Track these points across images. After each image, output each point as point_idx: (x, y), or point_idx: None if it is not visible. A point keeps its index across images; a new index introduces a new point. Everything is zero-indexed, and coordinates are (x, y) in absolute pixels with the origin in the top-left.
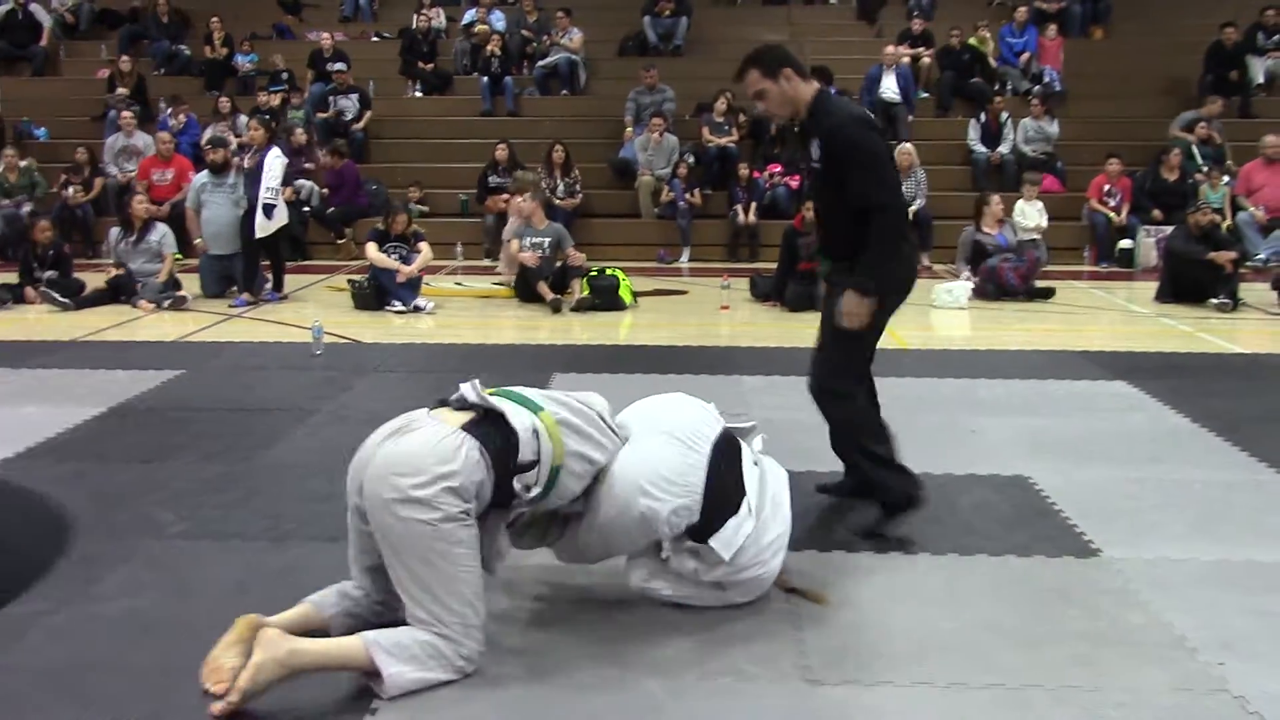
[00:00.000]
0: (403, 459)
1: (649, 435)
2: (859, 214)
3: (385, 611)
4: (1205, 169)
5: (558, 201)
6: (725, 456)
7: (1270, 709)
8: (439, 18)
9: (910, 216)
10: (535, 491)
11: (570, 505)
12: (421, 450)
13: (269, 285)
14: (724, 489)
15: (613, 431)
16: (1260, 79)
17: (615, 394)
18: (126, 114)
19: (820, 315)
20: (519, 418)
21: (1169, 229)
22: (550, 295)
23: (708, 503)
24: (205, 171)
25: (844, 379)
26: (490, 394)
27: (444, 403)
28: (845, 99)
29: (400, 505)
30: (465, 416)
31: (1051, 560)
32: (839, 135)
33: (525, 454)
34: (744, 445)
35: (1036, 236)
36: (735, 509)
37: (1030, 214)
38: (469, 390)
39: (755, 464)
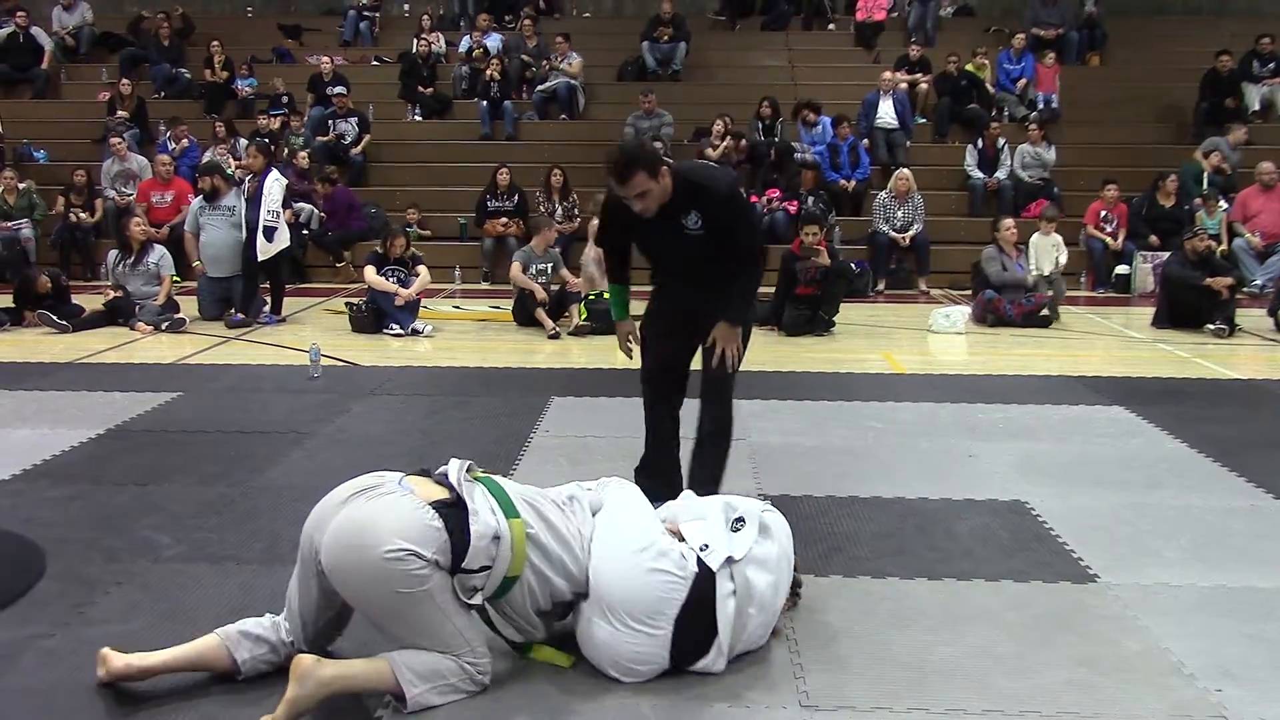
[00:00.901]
0: (365, 526)
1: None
2: (731, 262)
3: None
4: (1204, 194)
5: (557, 225)
6: (694, 611)
7: None
8: (439, 42)
9: (908, 241)
10: (477, 598)
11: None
12: (385, 518)
13: (266, 308)
14: (692, 639)
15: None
16: (1256, 106)
17: (615, 418)
18: (115, 140)
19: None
20: (483, 521)
21: (1166, 255)
22: (550, 325)
23: (675, 652)
24: (201, 196)
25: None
26: (475, 477)
27: (425, 473)
28: (699, 163)
29: (367, 571)
30: (439, 493)
31: (1049, 586)
32: (732, 200)
33: (473, 560)
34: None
35: (1055, 275)
36: (705, 651)
37: (1046, 251)
38: (453, 469)
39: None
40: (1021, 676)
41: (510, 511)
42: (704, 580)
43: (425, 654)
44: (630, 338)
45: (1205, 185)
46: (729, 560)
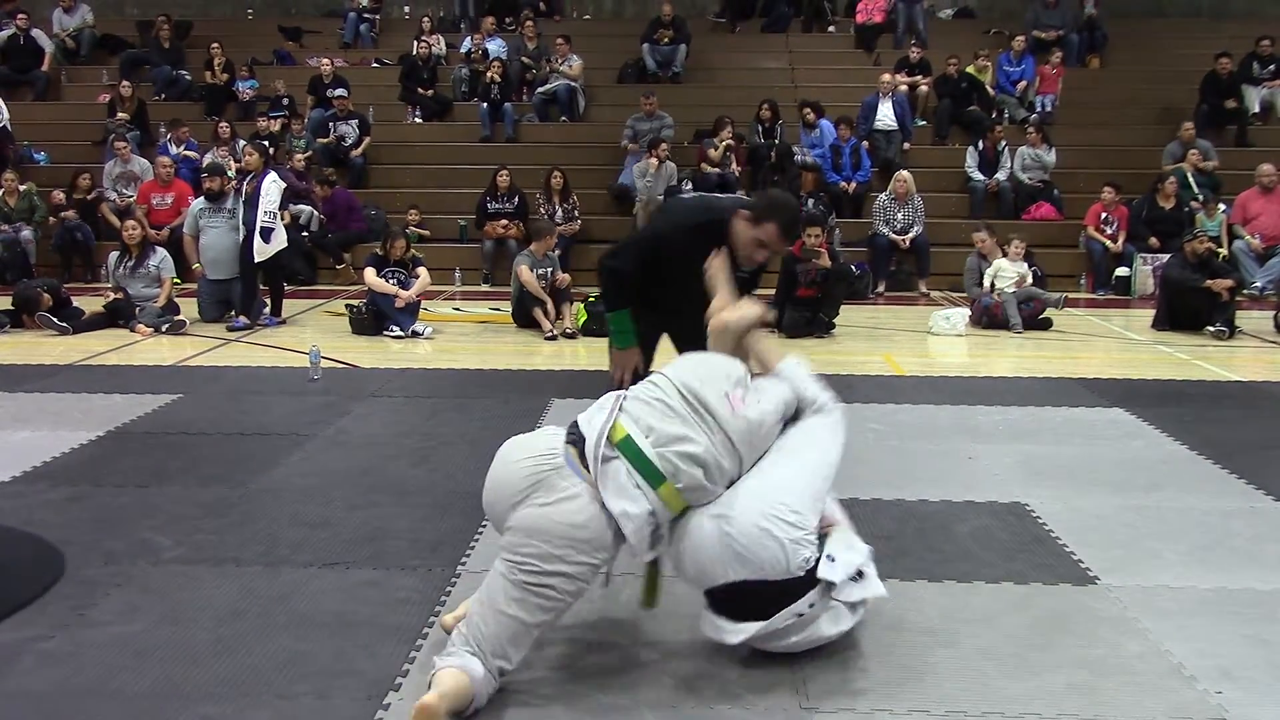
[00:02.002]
0: (550, 531)
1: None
2: None
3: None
4: (1201, 197)
5: (557, 227)
6: (769, 590)
7: None
8: (439, 44)
9: (908, 243)
10: (659, 548)
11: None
12: (567, 529)
13: (267, 310)
14: (744, 603)
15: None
16: (1256, 108)
17: None
18: (120, 143)
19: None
20: (634, 518)
21: (1165, 257)
22: (548, 327)
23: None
24: (202, 198)
25: None
26: (615, 442)
27: (575, 436)
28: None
29: (538, 574)
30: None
31: (1049, 588)
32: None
33: (639, 544)
34: None
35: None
36: (740, 618)
37: (1006, 274)
38: (590, 445)
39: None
40: (1022, 678)
41: (655, 478)
42: (800, 581)
43: (472, 661)
44: (635, 369)
45: (1195, 187)
46: (830, 585)
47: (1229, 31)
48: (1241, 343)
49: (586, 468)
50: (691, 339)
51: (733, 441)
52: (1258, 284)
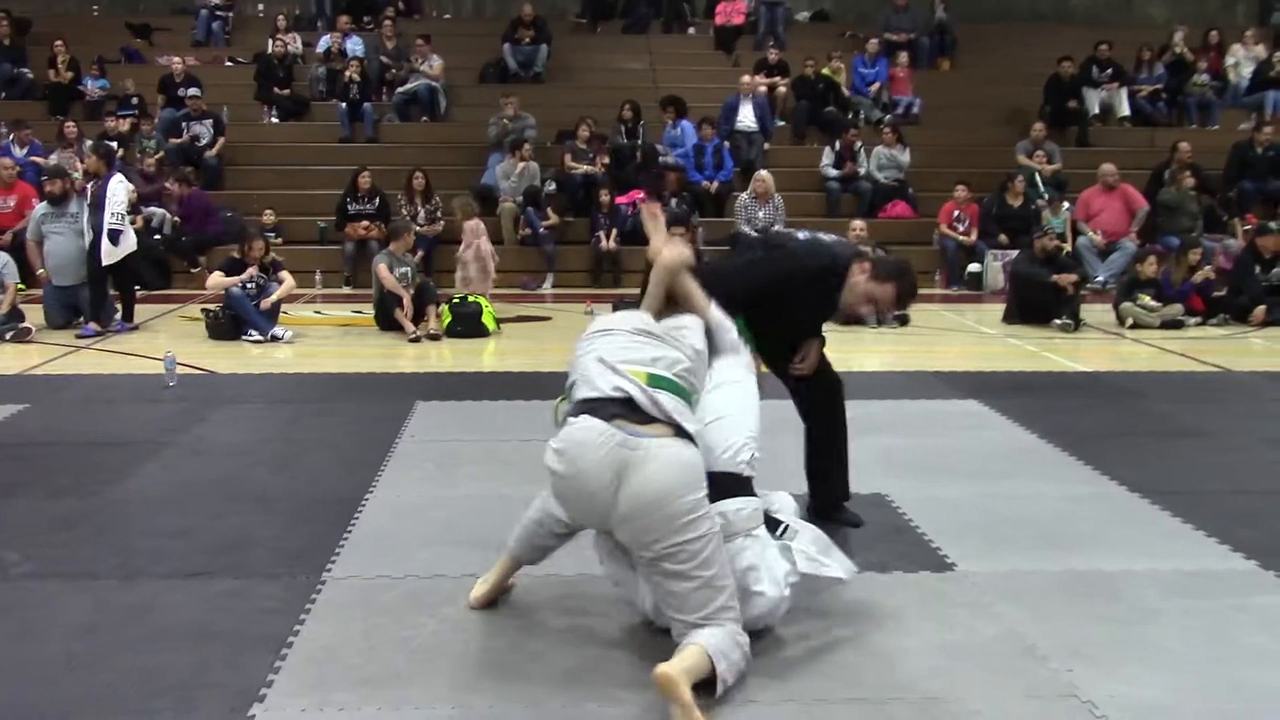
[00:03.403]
0: (668, 485)
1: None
2: None
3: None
4: (1047, 196)
5: (419, 229)
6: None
7: (1116, 712)
8: (295, 43)
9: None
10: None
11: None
12: (678, 472)
13: (118, 315)
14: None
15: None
16: (1095, 110)
17: (481, 421)
18: None
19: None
20: (699, 428)
21: (1015, 253)
22: (411, 329)
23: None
24: (45, 202)
25: None
26: (648, 383)
27: (628, 404)
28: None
29: (677, 531)
30: (663, 430)
31: (909, 575)
32: None
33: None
34: None
35: None
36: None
37: None
38: (635, 390)
39: None
40: (886, 665)
41: (686, 394)
42: (736, 480)
43: (714, 632)
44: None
45: (1041, 185)
46: (774, 525)
47: (1070, 36)
48: (1086, 334)
49: (646, 423)
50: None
51: (690, 359)
52: (1100, 278)
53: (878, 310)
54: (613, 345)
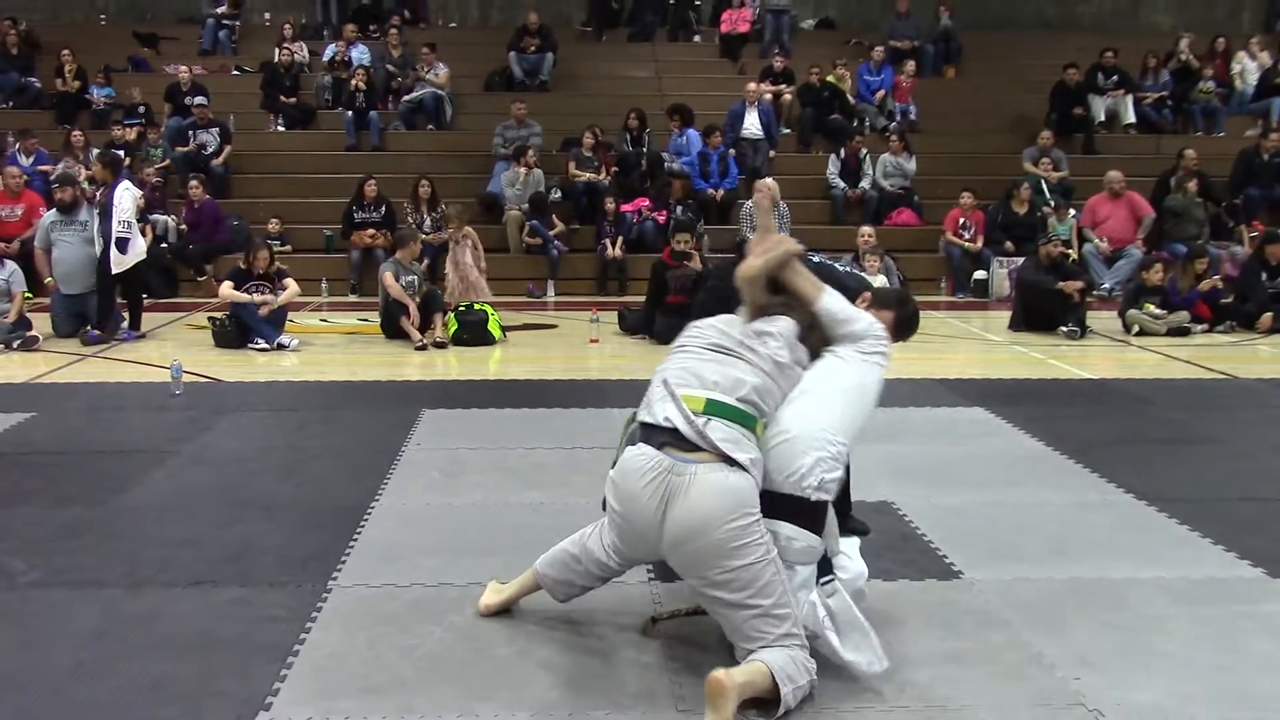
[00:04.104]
0: (710, 513)
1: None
2: None
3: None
4: (1053, 203)
5: (424, 236)
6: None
7: None
8: (302, 51)
9: None
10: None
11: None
12: (721, 499)
13: (125, 324)
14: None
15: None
16: (1101, 117)
17: (487, 429)
18: None
19: None
20: (756, 456)
21: (1020, 260)
22: (417, 337)
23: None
24: (54, 210)
25: None
26: (699, 412)
27: (674, 432)
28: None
29: (726, 555)
30: (708, 457)
31: (915, 583)
32: None
33: (759, 479)
34: None
35: None
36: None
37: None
38: (681, 424)
39: None
40: (892, 672)
41: (749, 420)
42: (799, 504)
43: (778, 651)
44: None
45: (1047, 192)
46: (826, 569)
47: (1076, 43)
48: (1092, 342)
49: (693, 451)
50: None
51: (767, 373)
52: (1106, 285)
53: None
54: (682, 365)
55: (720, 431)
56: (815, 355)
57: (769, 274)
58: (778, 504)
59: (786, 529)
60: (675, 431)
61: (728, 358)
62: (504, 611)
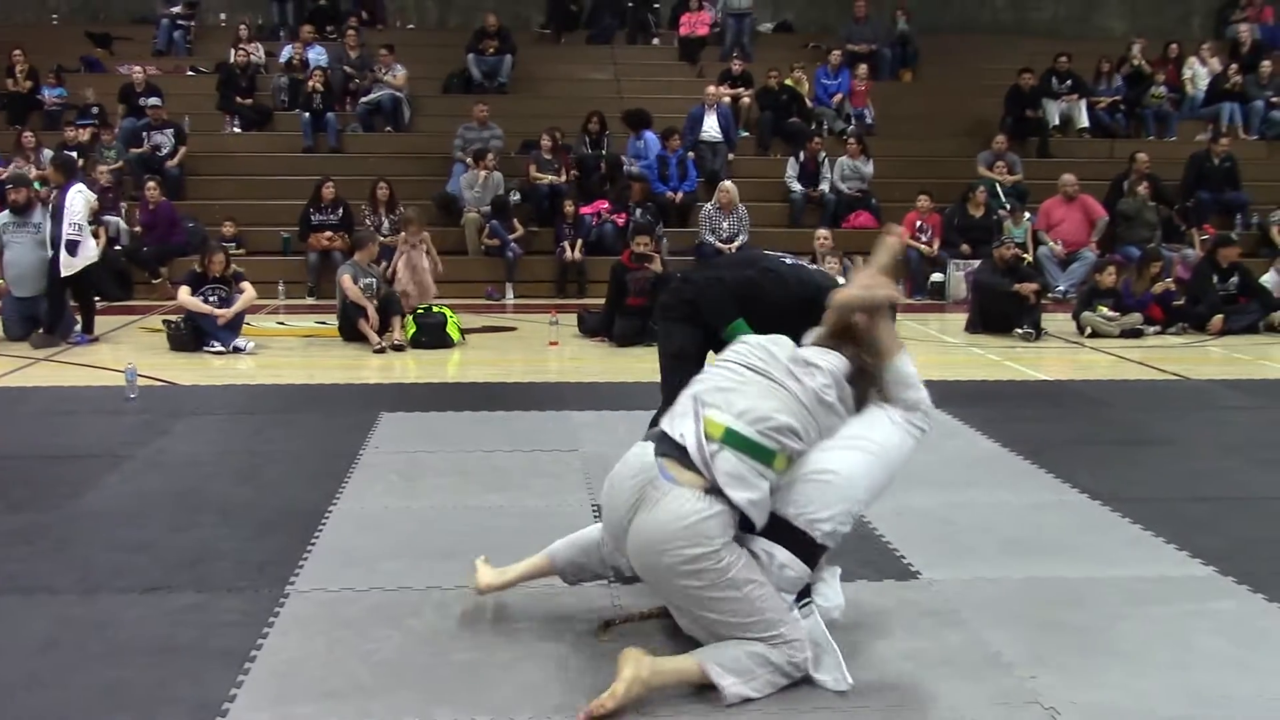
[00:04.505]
0: (655, 538)
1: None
2: None
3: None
4: (1008, 206)
5: (383, 239)
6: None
7: (1079, 719)
8: (258, 52)
9: (733, 252)
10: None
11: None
12: (670, 527)
13: (78, 327)
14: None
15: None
16: (1055, 121)
17: (446, 432)
18: None
19: None
20: (758, 503)
21: (977, 263)
22: (375, 340)
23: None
24: (6, 211)
25: None
26: (715, 437)
27: (665, 439)
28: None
29: (679, 576)
30: (698, 481)
31: (874, 584)
32: None
33: (758, 520)
34: None
35: None
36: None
37: None
38: (691, 443)
39: None
40: (851, 673)
41: (767, 456)
42: (799, 540)
43: (731, 644)
44: None
45: (1002, 196)
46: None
47: (1030, 48)
48: (1047, 344)
49: (686, 470)
50: None
51: (807, 407)
52: (1061, 287)
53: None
54: (717, 384)
55: (728, 464)
56: (858, 401)
57: (859, 309)
58: (783, 531)
59: (783, 555)
60: (683, 449)
61: (768, 384)
62: (464, 615)
